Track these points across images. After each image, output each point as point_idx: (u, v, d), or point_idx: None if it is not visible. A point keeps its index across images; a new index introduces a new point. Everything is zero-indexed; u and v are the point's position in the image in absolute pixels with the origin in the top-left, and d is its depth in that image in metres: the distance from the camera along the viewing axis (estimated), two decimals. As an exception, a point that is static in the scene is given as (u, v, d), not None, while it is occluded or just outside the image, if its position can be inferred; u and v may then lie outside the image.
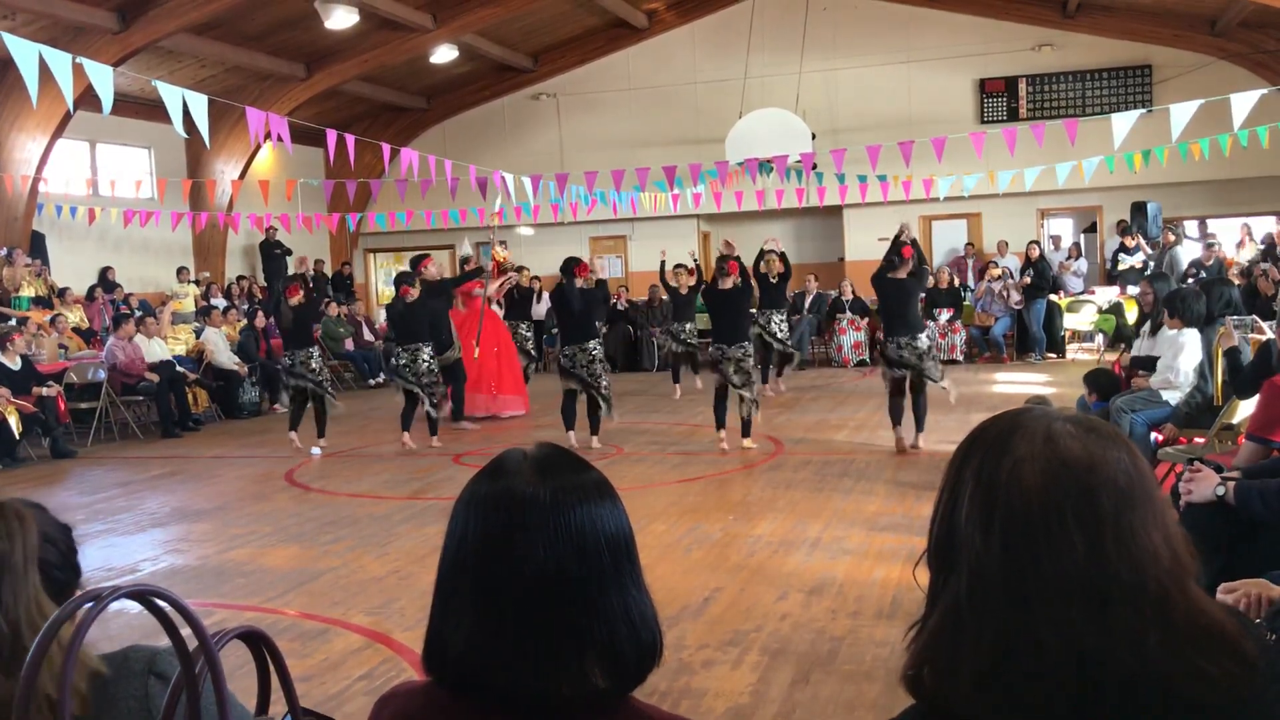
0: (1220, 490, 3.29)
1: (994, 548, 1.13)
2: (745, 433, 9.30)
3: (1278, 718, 1.12)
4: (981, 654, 1.11)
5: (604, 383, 9.60)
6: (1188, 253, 16.26)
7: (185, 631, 1.16)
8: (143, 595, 1.11)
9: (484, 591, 1.26)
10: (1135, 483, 1.15)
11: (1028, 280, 15.65)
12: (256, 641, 1.26)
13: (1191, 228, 17.50)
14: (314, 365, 10.21)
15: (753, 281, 10.24)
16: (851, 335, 16.31)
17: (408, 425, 10.13)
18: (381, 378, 15.22)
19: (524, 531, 1.26)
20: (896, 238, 9.12)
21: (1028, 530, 1.13)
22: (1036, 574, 1.11)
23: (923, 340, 8.77)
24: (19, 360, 10.76)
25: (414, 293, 10.17)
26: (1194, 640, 1.11)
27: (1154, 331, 7.40)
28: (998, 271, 16.22)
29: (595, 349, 9.61)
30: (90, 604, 1.09)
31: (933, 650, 1.16)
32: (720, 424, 9.36)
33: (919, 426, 8.90)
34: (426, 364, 10.01)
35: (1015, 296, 15.80)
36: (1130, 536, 1.12)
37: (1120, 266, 16.07)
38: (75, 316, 13.46)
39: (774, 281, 12.77)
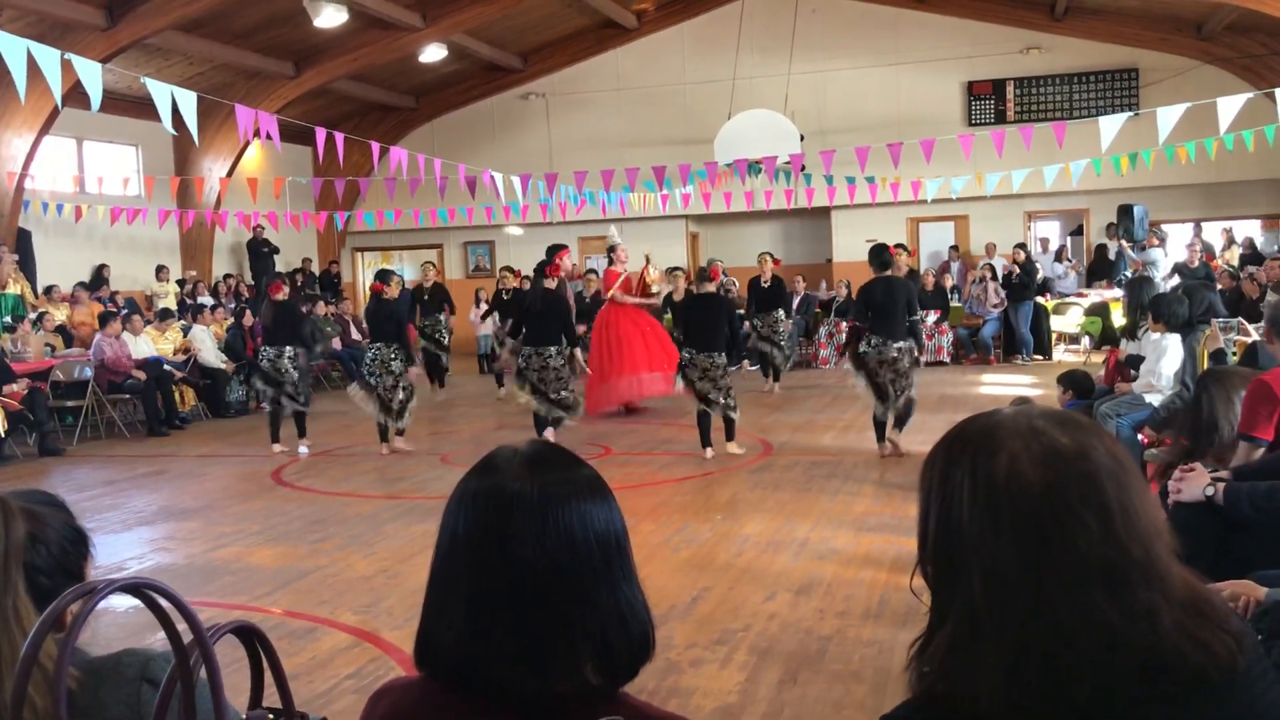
0: (1209, 490, 3.31)
1: (1006, 545, 1.15)
2: (729, 435, 9.11)
3: (1265, 695, 1.16)
4: (1006, 652, 1.12)
5: (553, 390, 9.33)
6: (1173, 256, 16.38)
7: (180, 627, 1.16)
8: (138, 589, 1.10)
9: (475, 587, 1.27)
10: (1123, 464, 1.18)
11: (1015, 277, 15.66)
12: (250, 637, 1.25)
13: (1185, 230, 17.61)
14: (282, 365, 10.06)
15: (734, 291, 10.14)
16: (836, 338, 16.34)
17: (385, 435, 9.90)
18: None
19: (513, 528, 1.26)
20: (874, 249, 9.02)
21: (1039, 522, 1.14)
22: (1053, 564, 1.13)
23: (895, 350, 8.53)
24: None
25: (390, 290, 9.90)
26: (1194, 613, 1.14)
27: (1133, 335, 7.44)
28: (979, 273, 16.33)
29: (552, 355, 9.35)
30: (84, 597, 1.09)
31: (954, 657, 1.16)
32: (705, 442, 9.10)
33: (899, 426, 8.74)
34: (390, 368, 9.63)
35: (994, 299, 15.86)
36: (1135, 514, 1.15)
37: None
38: (61, 314, 13.40)
39: (765, 286, 12.82)
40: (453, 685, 1.28)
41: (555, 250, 9.91)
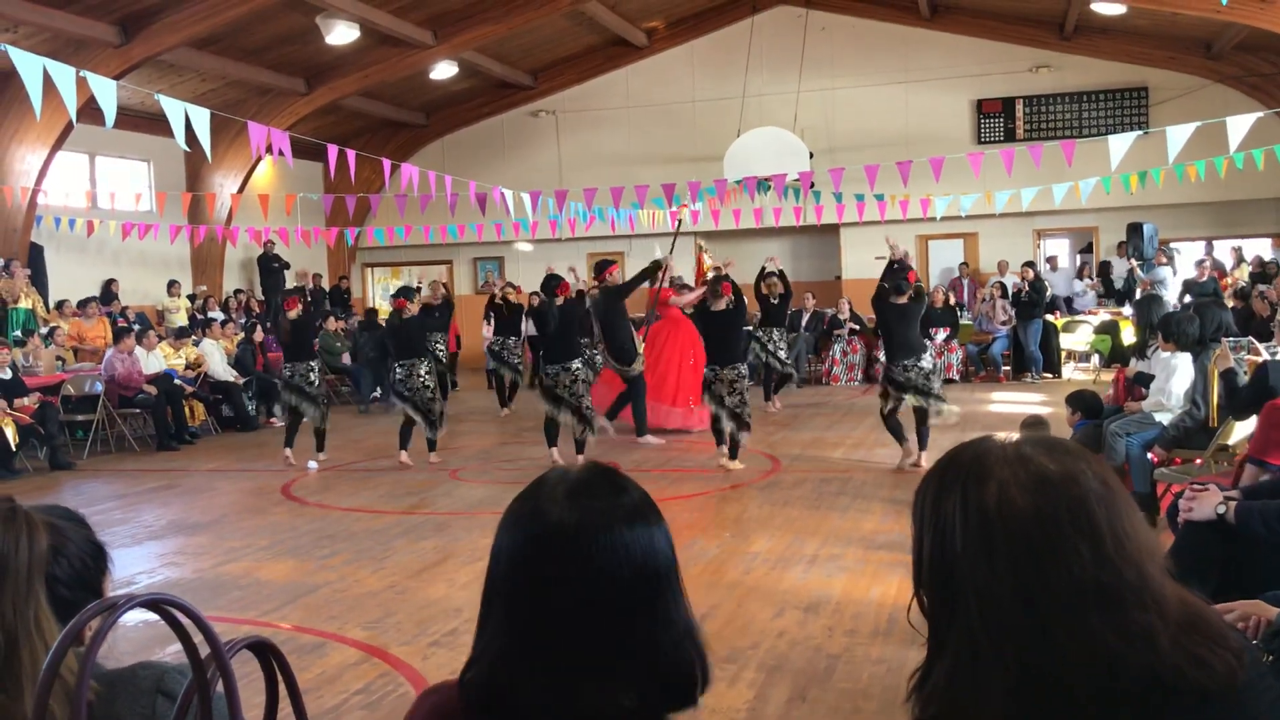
0: (1221, 509, 3.31)
1: (1002, 572, 1.15)
2: (732, 454, 9.18)
3: (1270, 711, 1.17)
4: (1007, 677, 1.13)
5: (586, 403, 9.46)
6: (1181, 274, 16.35)
7: (196, 638, 1.17)
8: (157, 604, 1.12)
9: (515, 611, 1.26)
10: (1112, 488, 1.20)
11: (1024, 295, 15.65)
12: (265, 652, 1.26)
13: (1195, 249, 17.60)
14: (313, 379, 10.16)
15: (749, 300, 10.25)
16: (849, 357, 16.34)
17: (405, 443, 9.92)
18: (378, 392, 15.11)
19: (551, 556, 1.25)
20: (892, 262, 9.11)
21: (1032, 548, 1.15)
22: (1049, 589, 1.14)
23: (926, 361, 8.80)
24: (9, 371, 10.73)
25: (411, 307, 10.05)
26: (1191, 630, 1.15)
27: (1142, 354, 7.43)
28: (988, 291, 16.33)
29: (578, 369, 9.47)
30: (105, 613, 1.10)
31: (955, 684, 1.17)
32: (720, 439, 9.26)
33: (922, 445, 8.84)
34: (423, 380, 9.76)
35: (1002, 316, 15.86)
36: (1126, 537, 1.17)
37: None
38: (66, 326, 13.43)
39: (774, 302, 12.82)
40: (492, 705, 1.26)
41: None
